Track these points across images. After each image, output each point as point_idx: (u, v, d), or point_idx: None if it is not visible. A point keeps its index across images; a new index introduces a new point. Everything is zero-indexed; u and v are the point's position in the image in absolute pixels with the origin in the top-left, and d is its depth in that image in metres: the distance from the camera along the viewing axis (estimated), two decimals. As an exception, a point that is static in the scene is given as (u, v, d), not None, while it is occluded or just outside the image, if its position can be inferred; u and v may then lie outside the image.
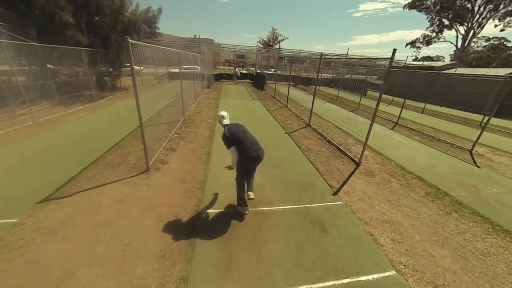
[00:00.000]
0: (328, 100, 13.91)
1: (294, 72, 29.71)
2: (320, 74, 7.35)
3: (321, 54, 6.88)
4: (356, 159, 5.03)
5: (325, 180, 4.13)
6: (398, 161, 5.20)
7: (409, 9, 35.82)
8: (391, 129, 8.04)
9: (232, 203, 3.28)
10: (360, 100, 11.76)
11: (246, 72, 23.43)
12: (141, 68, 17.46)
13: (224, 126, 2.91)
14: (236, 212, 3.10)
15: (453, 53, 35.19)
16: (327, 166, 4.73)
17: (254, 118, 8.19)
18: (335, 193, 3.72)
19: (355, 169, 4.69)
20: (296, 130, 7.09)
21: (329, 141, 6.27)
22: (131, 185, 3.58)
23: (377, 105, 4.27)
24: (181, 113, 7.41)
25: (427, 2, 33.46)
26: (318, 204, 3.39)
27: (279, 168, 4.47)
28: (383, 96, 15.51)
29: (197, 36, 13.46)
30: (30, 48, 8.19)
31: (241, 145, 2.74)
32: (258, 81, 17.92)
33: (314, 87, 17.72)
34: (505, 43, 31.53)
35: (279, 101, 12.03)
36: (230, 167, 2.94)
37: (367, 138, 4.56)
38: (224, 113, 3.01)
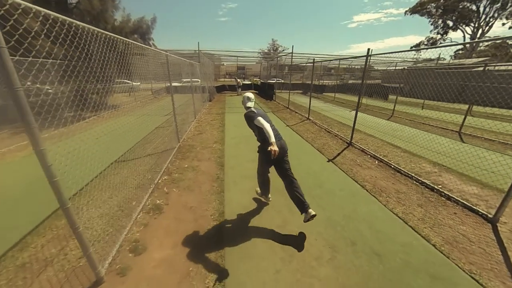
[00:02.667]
0: (352, 107, 11.93)
1: (298, 80, 28.14)
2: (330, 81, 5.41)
3: (369, 49, 4.90)
4: (478, 209, 2.88)
5: (463, 270, 1.96)
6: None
7: (410, 14, 35.01)
8: (474, 145, 5.85)
9: None
10: (394, 106, 9.75)
11: (249, 82, 21.88)
12: (139, 84, 15.96)
13: (248, 108, 2.59)
14: None
15: (453, 54, 33.99)
16: (438, 230, 2.56)
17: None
18: None
19: (494, 231, 2.53)
20: (339, 154, 4.98)
21: (398, 171, 4.16)
22: None
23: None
24: (175, 137, 5.37)
25: (429, 7, 32.65)
26: None
27: (358, 246, 2.31)
28: (407, 99, 13.77)
29: (197, 50, 11.70)
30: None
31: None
32: (265, 91, 16.13)
33: (332, 94, 16.04)
34: (508, 41, 29.90)
35: (296, 112, 10.03)
36: (272, 146, 2.09)
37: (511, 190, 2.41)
38: (250, 94, 2.66)
